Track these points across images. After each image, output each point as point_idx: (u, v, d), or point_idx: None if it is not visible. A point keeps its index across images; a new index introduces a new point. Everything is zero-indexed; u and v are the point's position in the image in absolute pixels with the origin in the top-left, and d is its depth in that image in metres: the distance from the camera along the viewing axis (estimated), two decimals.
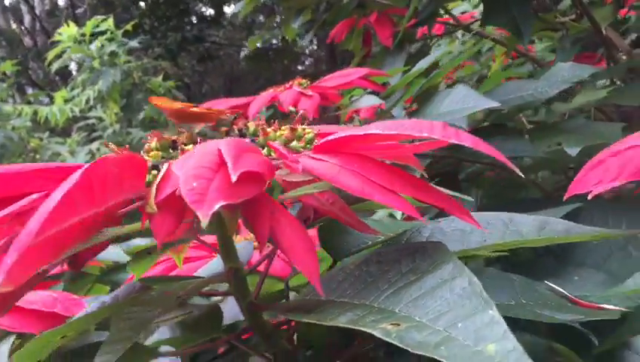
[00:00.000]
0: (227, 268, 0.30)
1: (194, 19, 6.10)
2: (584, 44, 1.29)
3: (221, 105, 0.70)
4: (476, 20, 1.34)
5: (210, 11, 6.97)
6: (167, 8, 5.44)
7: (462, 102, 0.62)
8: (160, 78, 2.97)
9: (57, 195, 0.17)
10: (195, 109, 0.33)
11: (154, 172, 0.26)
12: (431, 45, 1.58)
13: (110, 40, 2.82)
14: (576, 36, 1.24)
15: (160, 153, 0.30)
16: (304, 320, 0.23)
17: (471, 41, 1.85)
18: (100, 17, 2.82)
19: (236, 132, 0.32)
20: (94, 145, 2.85)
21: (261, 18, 7.18)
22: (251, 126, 0.31)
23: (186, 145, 0.28)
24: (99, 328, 0.55)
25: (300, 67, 8.33)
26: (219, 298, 0.43)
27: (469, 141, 0.24)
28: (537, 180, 0.91)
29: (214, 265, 0.40)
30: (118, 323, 0.25)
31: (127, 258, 0.70)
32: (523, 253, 0.46)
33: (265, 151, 0.29)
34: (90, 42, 2.82)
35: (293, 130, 0.29)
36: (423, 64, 0.71)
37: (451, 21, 1.28)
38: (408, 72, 0.74)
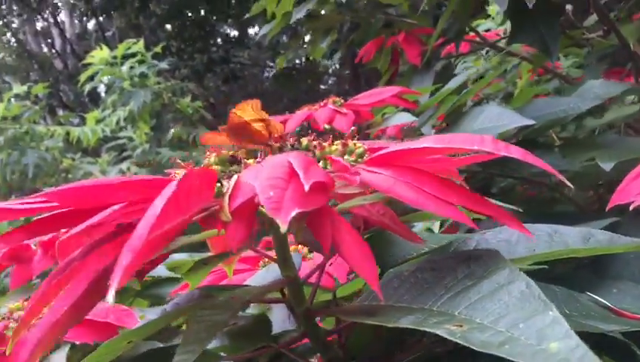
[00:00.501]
0: (284, 276, 0.31)
1: (219, 41, 6.19)
2: (611, 60, 1.29)
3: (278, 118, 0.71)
4: (502, 38, 1.36)
5: (234, 32, 7.08)
6: (193, 30, 5.54)
7: (496, 119, 0.63)
8: (188, 98, 3.03)
9: (159, 203, 0.19)
10: (260, 123, 0.35)
11: (217, 184, 0.28)
12: (455, 63, 1.60)
13: (140, 62, 2.88)
14: (602, 52, 1.25)
15: (219, 167, 0.32)
16: (368, 321, 0.25)
17: (496, 59, 1.86)
18: (130, 40, 2.88)
19: (289, 147, 0.34)
20: (124, 165, 2.90)
21: (284, 38, 7.27)
22: (304, 141, 0.33)
23: (247, 159, 0.30)
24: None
25: (322, 86, 8.39)
26: (266, 307, 0.44)
27: (518, 153, 0.25)
28: (570, 195, 0.91)
29: (266, 275, 0.41)
30: (192, 326, 0.26)
31: (166, 273, 0.72)
32: (560, 266, 0.47)
33: (320, 164, 0.30)
34: (121, 64, 2.88)
35: (345, 144, 0.31)
36: (453, 83, 0.72)
37: (477, 39, 1.29)
38: (439, 90, 0.76)
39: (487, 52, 1.56)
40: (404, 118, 0.67)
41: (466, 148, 0.25)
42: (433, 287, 0.26)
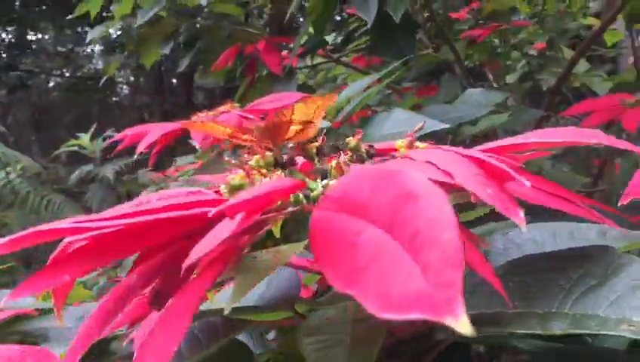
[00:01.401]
0: None
1: (4, 44, 5.57)
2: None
3: (159, 129, 0.64)
4: (345, 54, 1.42)
5: (10, 37, 6.40)
6: None
7: (407, 124, 0.64)
8: None
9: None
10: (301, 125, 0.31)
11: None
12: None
13: None
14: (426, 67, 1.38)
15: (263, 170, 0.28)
16: (503, 331, 0.23)
17: (323, 74, 1.96)
18: None
19: (327, 148, 0.30)
20: None
21: (70, 46, 6.78)
22: (352, 141, 0.30)
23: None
24: None
25: (115, 98, 7.98)
26: None
27: (622, 144, 0.25)
28: None
29: None
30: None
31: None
32: None
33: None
34: None
35: (412, 143, 0.29)
36: (357, 86, 0.72)
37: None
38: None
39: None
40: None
41: (581, 142, 0.24)
42: (546, 290, 0.25)
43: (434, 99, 1.03)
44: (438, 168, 0.19)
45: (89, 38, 1.44)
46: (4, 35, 6.33)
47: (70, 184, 3.16)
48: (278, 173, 0.28)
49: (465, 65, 1.31)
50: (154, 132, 0.63)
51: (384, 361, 0.33)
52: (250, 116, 0.65)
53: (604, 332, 0.21)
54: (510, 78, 1.63)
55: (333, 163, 0.26)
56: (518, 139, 0.25)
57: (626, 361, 0.34)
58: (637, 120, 0.78)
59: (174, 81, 6.23)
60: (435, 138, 0.86)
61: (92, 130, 3.00)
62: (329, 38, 1.54)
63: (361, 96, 0.74)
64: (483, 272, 0.23)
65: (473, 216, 0.40)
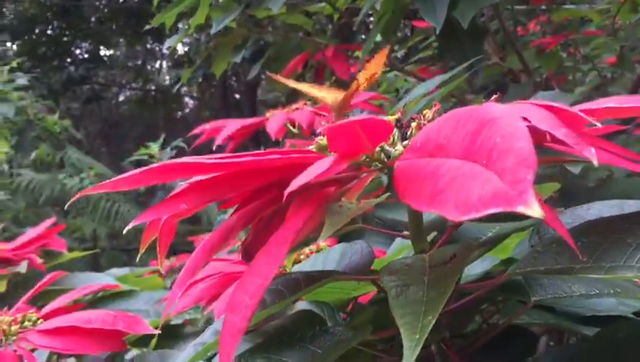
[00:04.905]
0: (418, 250, 0.30)
1: (79, 59, 5.85)
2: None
3: (232, 125, 0.68)
4: (413, 62, 1.44)
5: (88, 51, 6.72)
6: (47, 47, 5.19)
7: None
8: (56, 116, 2.81)
9: None
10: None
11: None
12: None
13: None
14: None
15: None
16: (595, 275, 0.24)
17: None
18: None
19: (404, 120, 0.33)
20: None
21: (139, 60, 7.05)
22: (428, 113, 0.32)
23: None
24: None
25: (180, 113, 8.22)
26: None
27: None
28: None
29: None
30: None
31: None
32: None
33: None
34: None
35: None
36: (417, 92, 0.74)
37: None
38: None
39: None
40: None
41: None
42: (614, 247, 0.26)
43: None
44: (517, 115, 0.21)
45: (167, 45, 1.50)
46: (79, 50, 6.65)
47: (139, 191, 3.28)
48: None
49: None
50: (230, 126, 0.67)
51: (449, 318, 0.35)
52: (323, 113, 0.68)
53: None
54: (579, 92, 1.61)
55: (414, 123, 0.28)
56: (596, 103, 0.27)
57: None
58: None
59: (238, 96, 6.38)
60: None
61: (161, 140, 3.12)
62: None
63: (422, 103, 0.76)
64: (557, 228, 0.25)
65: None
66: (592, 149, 0.19)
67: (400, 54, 1.62)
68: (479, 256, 0.36)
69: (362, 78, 0.30)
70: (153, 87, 7.28)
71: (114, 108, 7.68)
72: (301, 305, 0.43)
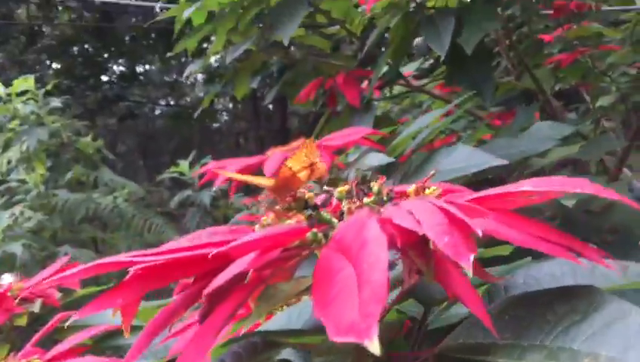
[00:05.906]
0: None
1: (114, 78, 6.02)
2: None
3: (234, 165, 0.71)
4: (427, 83, 1.44)
5: (122, 69, 6.89)
6: (83, 67, 5.35)
7: (467, 159, 0.66)
8: (89, 137, 2.90)
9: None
10: (306, 171, 0.35)
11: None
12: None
13: (31, 100, 2.73)
14: (507, 94, 1.36)
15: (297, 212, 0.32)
16: (487, 360, 0.26)
17: (408, 101, 1.96)
18: (27, 76, 2.72)
19: (354, 191, 0.35)
20: (17, 209, 2.71)
21: (174, 76, 7.19)
22: (375, 186, 0.34)
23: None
24: None
25: (215, 125, 8.34)
26: None
27: (615, 196, 0.28)
28: None
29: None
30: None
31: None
32: None
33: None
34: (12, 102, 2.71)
35: (421, 188, 0.32)
36: (423, 121, 0.75)
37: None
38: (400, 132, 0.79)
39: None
40: (378, 158, 0.69)
41: (570, 190, 0.27)
42: (534, 324, 0.28)
43: (508, 129, 1.04)
44: (414, 218, 0.23)
45: (187, 72, 1.54)
46: (115, 68, 6.84)
47: (171, 207, 3.36)
48: (307, 212, 0.32)
49: (550, 91, 1.30)
50: (229, 168, 0.70)
51: None
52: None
53: None
54: (606, 100, 1.58)
55: (345, 207, 0.30)
56: (510, 187, 0.28)
57: None
58: None
59: (270, 107, 6.45)
60: (506, 169, 0.87)
61: (191, 156, 3.19)
62: (415, 65, 1.57)
63: (428, 131, 0.77)
64: (473, 308, 0.27)
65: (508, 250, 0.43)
66: (471, 258, 0.21)
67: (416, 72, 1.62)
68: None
69: (295, 165, 0.32)
70: (188, 100, 7.41)
71: (150, 123, 7.85)
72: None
